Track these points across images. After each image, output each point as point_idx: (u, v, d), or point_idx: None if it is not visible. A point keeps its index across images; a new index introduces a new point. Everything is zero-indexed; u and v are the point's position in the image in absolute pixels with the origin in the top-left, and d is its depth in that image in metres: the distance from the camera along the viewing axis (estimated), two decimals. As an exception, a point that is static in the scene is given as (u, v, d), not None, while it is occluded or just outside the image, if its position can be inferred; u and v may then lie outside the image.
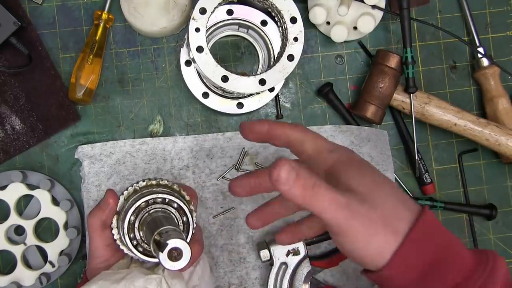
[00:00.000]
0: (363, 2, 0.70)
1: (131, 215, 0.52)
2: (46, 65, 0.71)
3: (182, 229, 0.53)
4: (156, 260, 0.53)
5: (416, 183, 0.75)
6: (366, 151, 0.73)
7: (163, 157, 0.71)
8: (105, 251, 0.54)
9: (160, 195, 0.52)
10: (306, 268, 0.68)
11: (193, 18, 0.61)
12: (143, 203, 0.52)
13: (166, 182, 0.55)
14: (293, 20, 0.63)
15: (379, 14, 0.72)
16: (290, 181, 0.39)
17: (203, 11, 0.61)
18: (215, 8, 0.62)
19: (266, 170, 0.48)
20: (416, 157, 0.72)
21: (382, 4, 0.71)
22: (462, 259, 0.43)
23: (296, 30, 0.63)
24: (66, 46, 0.72)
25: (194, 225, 0.53)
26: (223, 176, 0.72)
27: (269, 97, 0.71)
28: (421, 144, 0.75)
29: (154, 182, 0.54)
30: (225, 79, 0.61)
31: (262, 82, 0.62)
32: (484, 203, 0.76)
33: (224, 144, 0.72)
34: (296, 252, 0.67)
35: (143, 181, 0.55)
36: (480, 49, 0.74)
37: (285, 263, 0.67)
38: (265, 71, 0.62)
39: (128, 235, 0.52)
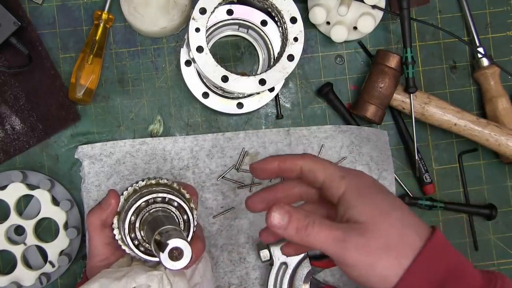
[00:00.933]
0: (363, 2, 0.70)
1: (132, 215, 0.52)
2: (46, 65, 0.71)
3: (183, 228, 0.53)
4: (157, 259, 0.52)
5: (416, 183, 0.75)
6: (366, 151, 0.73)
7: (163, 157, 0.71)
8: (105, 250, 0.54)
9: (160, 194, 0.52)
10: (306, 268, 0.68)
11: (193, 18, 0.61)
12: (143, 203, 0.52)
13: (165, 181, 0.55)
14: (293, 20, 0.63)
15: (379, 14, 0.72)
16: (283, 225, 0.44)
17: (203, 11, 0.61)
18: (215, 8, 0.62)
19: (278, 186, 0.53)
20: (416, 157, 0.72)
21: (382, 4, 0.71)
22: (471, 280, 0.44)
23: (296, 30, 0.63)
24: (66, 46, 0.72)
25: (195, 223, 0.53)
26: (223, 176, 0.72)
27: (269, 97, 0.71)
28: (421, 144, 0.75)
29: (153, 182, 0.54)
30: (225, 79, 0.61)
31: (262, 82, 0.62)
32: (484, 203, 0.76)
33: (224, 144, 0.72)
34: (296, 252, 0.67)
35: (143, 180, 0.54)
36: (480, 49, 0.74)
37: (285, 263, 0.67)
38: (265, 71, 0.62)
39: (129, 235, 0.52)
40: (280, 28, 0.65)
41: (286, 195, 0.54)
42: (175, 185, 0.54)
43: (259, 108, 0.72)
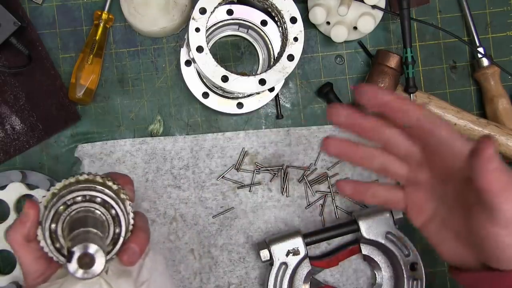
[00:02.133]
0: (363, 2, 0.70)
1: (51, 223, 0.45)
2: (46, 65, 0.71)
3: (112, 224, 0.47)
4: None
5: (416, 183, 0.75)
6: (366, 151, 0.73)
7: (163, 156, 0.71)
8: (37, 265, 0.48)
9: (79, 193, 0.46)
10: (306, 268, 0.68)
11: (193, 18, 0.61)
12: (61, 207, 0.46)
13: (86, 176, 0.48)
14: (293, 20, 0.63)
15: (379, 14, 0.72)
16: (495, 161, 0.38)
17: (203, 11, 0.61)
18: (215, 8, 0.62)
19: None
20: (416, 157, 0.72)
21: (382, 4, 0.71)
22: None
23: (296, 30, 0.63)
24: (66, 46, 0.72)
25: (130, 214, 0.48)
26: (223, 176, 0.72)
27: (269, 97, 0.71)
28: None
29: (72, 180, 0.47)
30: (225, 79, 0.61)
31: (262, 82, 0.62)
32: (484, 203, 0.76)
33: (224, 144, 0.72)
34: (296, 252, 0.67)
35: (61, 181, 0.48)
36: (480, 49, 0.74)
37: (285, 263, 0.67)
38: (265, 71, 0.62)
39: (54, 246, 0.46)
40: (280, 28, 0.65)
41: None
42: (98, 178, 0.48)
43: (259, 108, 0.72)
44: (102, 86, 0.72)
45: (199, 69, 0.63)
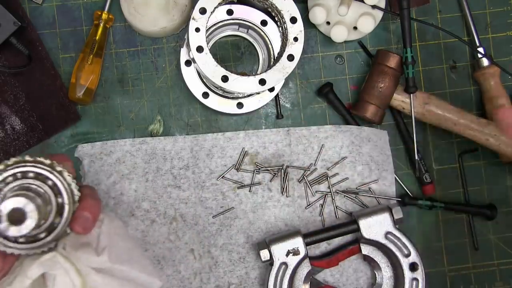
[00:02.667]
0: (363, 2, 0.70)
1: None
2: (46, 65, 0.71)
3: (54, 194, 0.45)
4: (47, 240, 0.45)
5: (416, 183, 0.75)
6: (366, 151, 0.73)
7: (163, 156, 0.71)
8: None
9: (8, 173, 0.44)
10: (306, 268, 0.68)
11: (193, 18, 0.61)
12: None
13: (14, 159, 0.46)
14: (293, 20, 0.63)
15: (379, 14, 0.72)
16: None
17: (203, 11, 0.61)
18: (215, 8, 0.62)
19: None
20: (416, 157, 0.72)
21: (382, 4, 0.71)
22: None
23: (296, 30, 0.63)
24: (66, 46, 0.72)
25: (72, 185, 0.46)
26: (223, 176, 0.72)
27: (269, 97, 0.71)
28: (421, 144, 0.75)
29: (1, 167, 0.45)
30: (225, 79, 0.61)
31: (262, 82, 0.62)
32: (484, 203, 0.76)
33: (224, 144, 0.72)
34: (296, 252, 0.67)
35: None
36: (480, 49, 0.74)
37: (285, 263, 0.67)
38: (265, 71, 0.62)
39: None
40: (280, 28, 0.65)
41: None
42: (27, 157, 0.46)
43: (259, 108, 0.72)
44: (102, 86, 0.72)
45: (199, 69, 0.63)
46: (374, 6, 0.71)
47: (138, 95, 0.73)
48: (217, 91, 0.70)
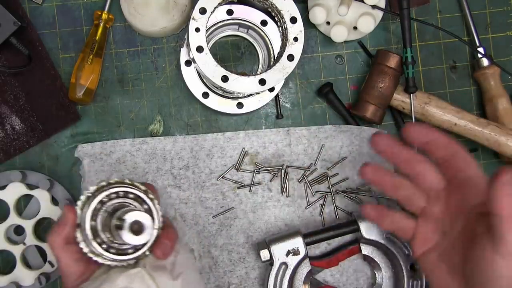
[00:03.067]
0: (363, 2, 0.70)
1: (90, 220, 0.50)
2: (46, 65, 0.71)
3: None
4: (133, 256, 0.51)
5: (416, 183, 0.75)
6: (366, 151, 0.73)
7: (163, 156, 0.71)
8: (77, 267, 0.52)
9: (113, 190, 0.50)
10: (306, 268, 0.68)
11: (193, 18, 0.61)
12: (98, 204, 0.50)
13: (116, 179, 0.52)
14: (293, 20, 0.63)
15: (379, 14, 0.72)
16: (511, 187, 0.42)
17: (203, 11, 0.61)
18: (215, 8, 0.62)
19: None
20: (416, 157, 0.72)
21: (382, 4, 0.71)
22: None
23: (296, 30, 0.63)
24: (66, 46, 0.72)
25: (160, 213, 0.52)
26: (223, 176, 0.72)
27: (269, 97, 0.71)
28: (421, 144, 0.75)
29: (104, 183, 0.52)
30: (225, 79, 0.61)
31: (262, 82, 0.62)
32: (484, 203, 0.76)
33: (224, 144, 0.72)
34: (296, 252, 0.67)
35: (93, 186, 0.52)
36: (480, 49, 0.74)
37: (285, 263, 0.67)
38: (265, 71, 0.62)
39: (95, 241, 0.50)
40: (280, 28, 0.65)
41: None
42: (127, 180, 0.53)
43: (259, 108, 0.72)
44: (102, 86, 0.72)
45: (199, 69, 0.63)
46: (374, 6, 0.71)
47: (138, 95, 0.73)
48: (217, 91, 0.70)
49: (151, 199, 0.52)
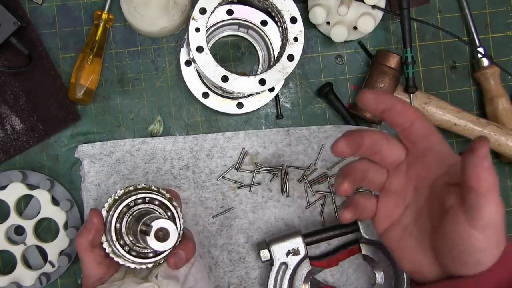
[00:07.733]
0: (363, 2, 0.70)
1: (116, 222, 0.52)
2: (46, 65, 0.71)
3: None
4: (152, 260, 0.53)
5: (416, 183, 0.75)
6: (366, 151, 0.73)
7: (163, 156, 0.71)
8: (98, 269, 0.55)
9: (139, 195, 0.53)
10: (306, 268, 0.68)
11: (193, 18, 0.61)
12: (124, 208, 0.53)
13: (143, 185, 0.55)
14: (293, 20, 0.63)
15: (379, 14, 0.72)
16: (488, 160, 0.40)
17: (203, 11, 0.61)
18: (215, 8, 0.62)
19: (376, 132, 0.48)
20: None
21: (382, 4, 0.71)
22: None
23: (296, 30, 0.63)
24: (66, 46, 0.72)
25: (182, 220, 0.54)
26: (223, 176, 0.72)
27: (269, 97, 0.71)
28: (421, 144, 0.75)
29: (131, 188, 0.54)
30: (225, 79, 0.61)
31: (262, 82, 0.62)
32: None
33: (224, 144, 0.72)
34: (296, 252, 0.67)
35: (121, 189, 0.55)
36: (480, 49, 0.74)
37: (285, 263, 0.67)
38: (265, 71, 0.62)
39: (118, 243, 0.52)
40: (280, 28, 0.65)
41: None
42: (153, 187, 0.55)
43: (259, 108, 0.72)
44: (102, 86, 0.72)
45: (199, 69, 0.63)
46: (374, 6, 0.71)
47: (138, 95, 0.73)
48: (217, 91, 0.70)
49: (175, 207, 0.54)
